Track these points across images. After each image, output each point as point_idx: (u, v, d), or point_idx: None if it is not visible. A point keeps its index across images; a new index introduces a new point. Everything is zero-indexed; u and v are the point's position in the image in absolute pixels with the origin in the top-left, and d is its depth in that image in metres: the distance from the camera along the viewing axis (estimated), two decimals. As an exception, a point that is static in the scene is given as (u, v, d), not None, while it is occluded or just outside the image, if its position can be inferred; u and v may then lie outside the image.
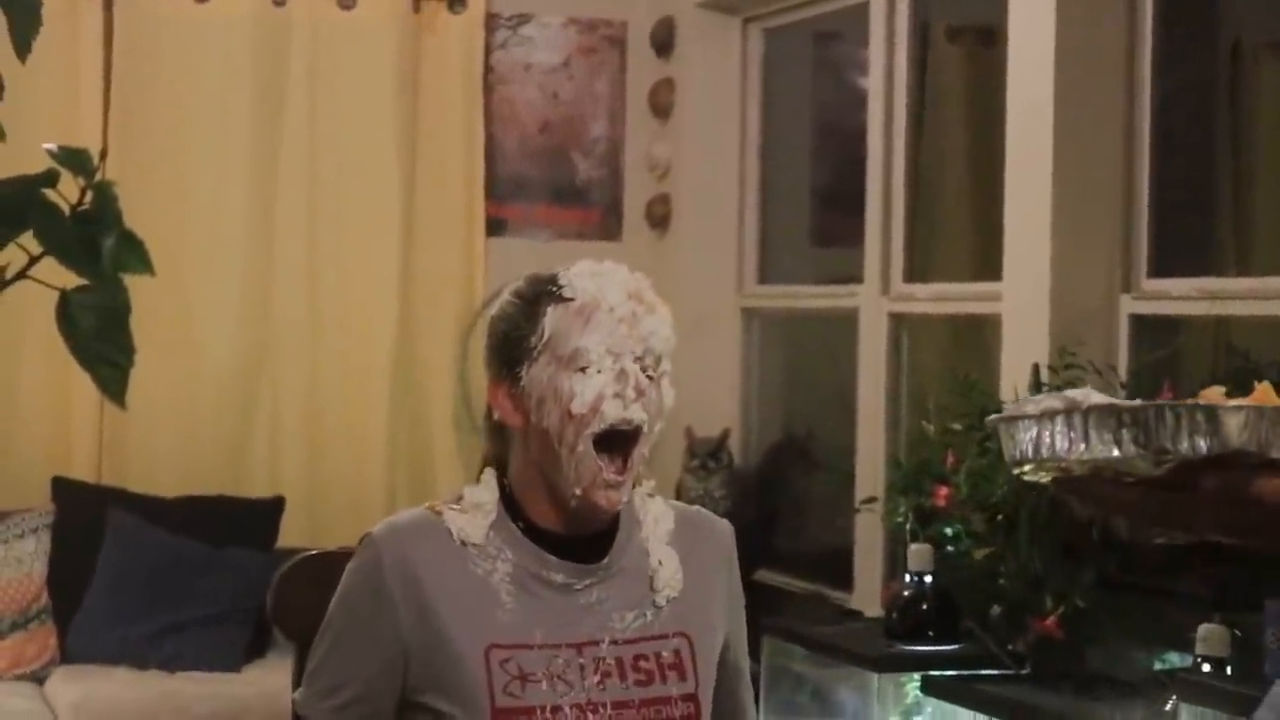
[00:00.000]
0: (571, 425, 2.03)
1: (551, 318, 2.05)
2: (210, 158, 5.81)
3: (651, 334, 2.07)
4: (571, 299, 2.04)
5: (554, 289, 2.05)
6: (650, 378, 2.07)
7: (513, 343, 2.07)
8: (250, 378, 5.86)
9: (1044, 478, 1.63)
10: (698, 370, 5.14)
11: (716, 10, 5.87)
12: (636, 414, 2.04)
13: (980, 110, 4.90)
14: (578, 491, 2.04)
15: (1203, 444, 1.50)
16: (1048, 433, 1.58)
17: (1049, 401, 1.59)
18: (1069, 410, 1.56)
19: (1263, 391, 1.57)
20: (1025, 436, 1.60)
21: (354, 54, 5.87)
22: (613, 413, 2.03)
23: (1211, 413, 1.50)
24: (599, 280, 2.07)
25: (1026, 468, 1.61)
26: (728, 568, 2.23)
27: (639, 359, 2.05)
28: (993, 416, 1.68)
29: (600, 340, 2.04)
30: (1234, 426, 1.51)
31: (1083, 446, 1.56)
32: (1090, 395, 1.58)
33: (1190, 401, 1.54)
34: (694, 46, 5.93)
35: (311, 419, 5.86)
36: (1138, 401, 1.58)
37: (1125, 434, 1.53)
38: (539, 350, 2.05)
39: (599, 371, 2.03)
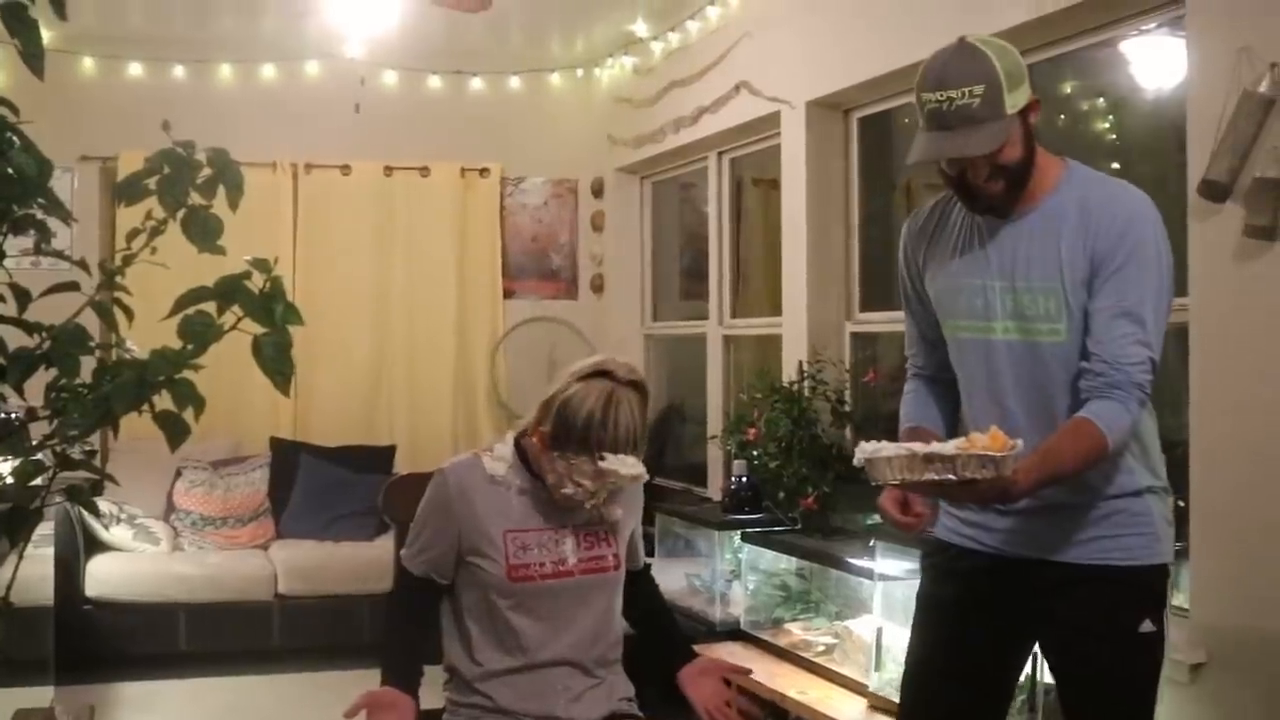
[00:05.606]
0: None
1: (588, 465, 2.33)
2: (351, 261, 6.67)
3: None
4: (600, 463, 2.30)
5: (600, 456, 2.32)
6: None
7: (567, 447, 2.34)
8: (376, 378, 6.67)
9: (894, 484, 2.05)
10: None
11: (627, 173, 6.74)
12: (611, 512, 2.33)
13: (771, 223, 5.27)
14: (556, 496, 2.38)
15: (983, 474, 1.94)
16: (890, 468, 1.98)
17: (894, 449, 1.97)
18: (910, 456, 1.95)
19: (990, 438, 1.97)
20: (877, 469, 2.00)
21: (430, 202, 6.72)
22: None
23: (989, 458, 1.92)
24: (618, 476, 2.34)
25: (886, 482, 2.01)
26: (636, 491, 2.57)
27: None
28: (859, 459, 2.04)
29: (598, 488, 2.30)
30: (1008, 466, 1.94)
31: (910, 475, 1.99)
32: (913, 448, 1.97)
33: (973, 452, 1.95)
34: (615, 193, 6.77)
35: (411, 401, 6.64)
36: (949, 447, 2.01)
37: (931, 468, 1.94)
38: (574, 463, 2.33)
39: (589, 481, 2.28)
